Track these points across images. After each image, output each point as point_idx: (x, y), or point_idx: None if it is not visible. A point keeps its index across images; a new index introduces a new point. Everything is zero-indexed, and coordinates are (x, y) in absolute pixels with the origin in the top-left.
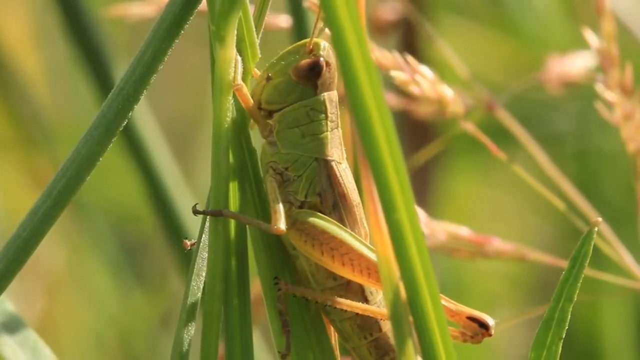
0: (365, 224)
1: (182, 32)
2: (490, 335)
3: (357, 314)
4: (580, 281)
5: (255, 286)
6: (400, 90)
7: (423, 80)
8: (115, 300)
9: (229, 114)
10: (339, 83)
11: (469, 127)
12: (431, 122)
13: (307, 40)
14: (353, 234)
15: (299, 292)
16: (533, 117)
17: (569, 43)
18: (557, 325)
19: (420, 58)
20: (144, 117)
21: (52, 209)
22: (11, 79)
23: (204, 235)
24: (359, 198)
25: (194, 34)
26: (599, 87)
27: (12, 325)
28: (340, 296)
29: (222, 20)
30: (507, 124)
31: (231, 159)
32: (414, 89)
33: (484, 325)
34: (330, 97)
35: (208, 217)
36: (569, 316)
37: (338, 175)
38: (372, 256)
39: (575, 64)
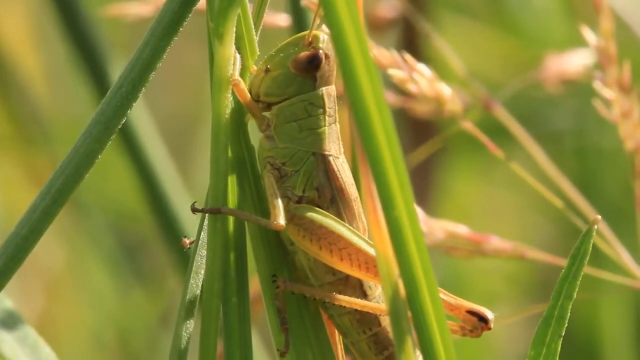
0: (364, 219)
1: (181, 29)
2: (489, 329)
3: (355, 309)
4: (580, 279)
5: (254, 284)
6: (398, 89)
7: (421, 78)
8: (114, 298)
9: (228, 111)
10: (338, 79)
11: (467, 125)
12: (430, 121)
13: (306, 32)
14: (351, 228)
15: (298, 290)
16: (531, 114)
17: (568, 41)
18: (556, 323)
19: (420, 57)
20: (141, 115)
21: (50, 206)
22: (10, 77)
23: (202, 233)
24: (357, 192)
25: (193, 32)
26: (597, 85)
27: (12, 323)
28: (339, 291)
29: (220, 17)
30: (505, 122)
31: (230, 156)
32: (411, 87)
33: (483, 319)
34: (329, 91)
35: (207, 214)
36: (569, 314)
37: (336, 169)
38: (371, 251)
39: (574, 62)
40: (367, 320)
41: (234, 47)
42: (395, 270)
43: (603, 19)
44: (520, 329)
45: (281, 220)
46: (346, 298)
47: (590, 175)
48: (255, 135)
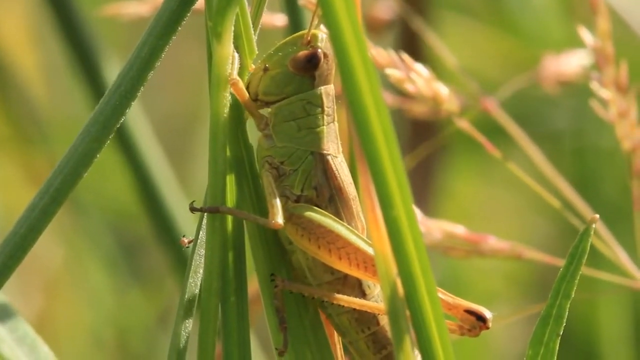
0: (362, 218)
1: (180, 28)
2: (487, 328)
3: (354, 308)
4: (578, 278)
5: (252, 284)
6: (396, 89)
7: (418, 78)
8: (112, 297)
9: (226, 110)
10: (336, 78)
11: (465, 125)
12: (428, 121)
13: (305, 31)
14: (350, 227)
15: (296, 289)
16: (529, 114)
17: (566, 40)
18: (554, 322)
19: (419, 57)
20: (138, 114)
21: (49, 205)
22: (8, 77)
23: (201, 233)
24: (355, 192)
25: (192, 31)
26: (595, 85)
27: (10, 322)
28: (338, 290)
29: (219, 16)
30: (503, 121)
31: (228, 155)
32: (409, 87)
33: (481, 318)
34: (327, 90)
35: (205, 214)
36: (567, 313)
37: (334, 168)
38: (369, 250)
39: (571, 63)
40: (366, 319)
41: (232, 46)
42: (393, 269)
43: (600, 19)
44: (519, 328)
45: (279, 219)
46: (345, 297)
47: (587, 175)
48: (253, 134)
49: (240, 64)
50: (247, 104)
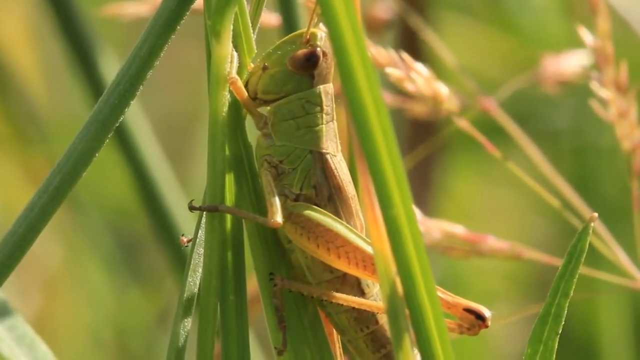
0: (361, 216)
1: (179, 27)
2: (486, 326)
3: (353, 307)
4: (576, 277)
5: (251, 284)
6: (396, 88)
7: (418, 77)
8: (111, 296)
9: (225, 109)
10: (336, 78)
11: (465, 124)
12: (428, 120)
13: (304, 30)
14: (349, 226)
15: (295, 288)
16: (529, 114)
17: (566, 40)
18: (553, 321)
19: (419, 56)
20: (136, 113)
21: (48, 204)
22: (8, 76)
23: (200, 232)
24: (354, 190)
25: (191, 30)
26: (594, 85)
27: (9, 322)
28: (337, 289)
29: (218, 15)
30: (503, 121)
31: (227, 154)
32: (409, 86)
33: (480, 317)
34: (326, 89)
35: (204, 213)
36: (565, 312)
37: (333, 167)
38: (368, 248)
39: (571, 63)
40: (365, 318)
41: (231, 45)
42: (392, 268)
43: (600, 18)
44: (518, 328)
45: (278, 218)
46: (343, 296)
47: (587, 175)
48: (252, 133)
49: (239, 63)
50: (245, 102)
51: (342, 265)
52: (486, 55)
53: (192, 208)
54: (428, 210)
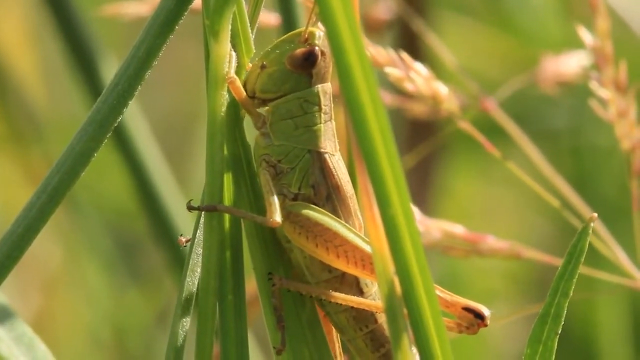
0: (360, 216)
1: (177, 27)
2: (485, 325)
3: (352, 306)
4: (576, 277)
5: (250, 283)
6: (395, 88)
7: (417, 77)
8: (110, 296)
9: (224, 109)
10: (334, 78)
11: (464, 124)
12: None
13: (302, 29)
14: (347, 225)
15: (294, 287)
16: (528, 113)
17: (565, 40)
18: (552, 321)
19: (419, 56)
20: (134, 113)
21: (47, 204)
22: (6, 77)
23: (198, 232)
24: (352, 190)
25: (189, 30)
26: (594, 85)
27: (8, 321)
28: (335, 289)
29: (216, 15)
30: (502, 121)
31: (226, 154)
32: (408, 86)
33: (479, 316)
34: (324, 89)
35: (203, 212)
36: (565, 312)
37: (331, 167)
38: (367, 248)
39: (570, 62)
40: (364, 317)
41: (229, 45)
42: (391, 267)
43: (599, 18)
44: (518, 327)
45: (277, 217)
46: (342, 296)
47: (586, 174)
48: (251, 132)
49: (237, 63)
50: (244, 102)
51: (340, 265)
52: (486, 55)
53: (190, 208)
54: (428, 209)
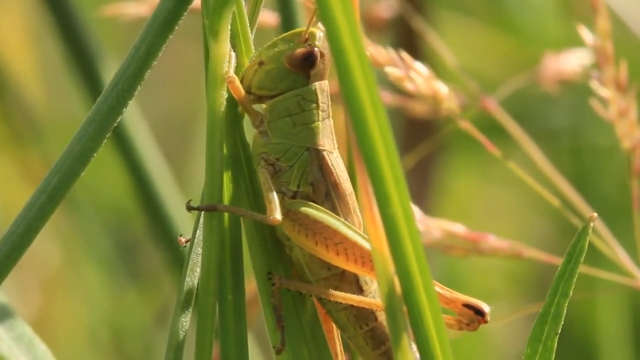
0: (359, 213)
1: (177, 27)
2: (485, 322)
3: (352, 304)
4: (576, 277)
5: (249, 283)
6: (395, 88)
7: (417, 76)
8: (110, 297)
9: (223, 108)
10: (333, 77)
11: (464, 124)
12: (428, 120)
13: (303, 29)
14: (346, 223)
15: (293, 287)
16: (529, 113)
17: (566, 39)
18: (552, 321)
19: (419, 56)
20: (134, 113)
21: (46, 204)
22: (5, 77)
23: (198, 231)
24: (351, 187)
25: (189, 29)
26: (594, 84)
27: (7, 321)
28: (335, 286)
29: (216, 15)
30: (502, 120)
31: (225, 153)
32: (408, 86)
33: (479, 312)
34: (322, 86)
35: (202, 212)
36: (565, 311)
37: (330, 164)
38: (366, 245)
39: (571, 62)
40: (364, 315)
41: (229, 44)
42: (391, 266)
43: (599, 17)
44: (518, 327)
45: (277, 215)
46: (342, 294)
47: (587, 174)
48: (249, 132)
49: (237, 62)
50: (243, 101)
51: (340, 262)
52: (486, 55)
53: (190, 208)
54: (428, 209)
